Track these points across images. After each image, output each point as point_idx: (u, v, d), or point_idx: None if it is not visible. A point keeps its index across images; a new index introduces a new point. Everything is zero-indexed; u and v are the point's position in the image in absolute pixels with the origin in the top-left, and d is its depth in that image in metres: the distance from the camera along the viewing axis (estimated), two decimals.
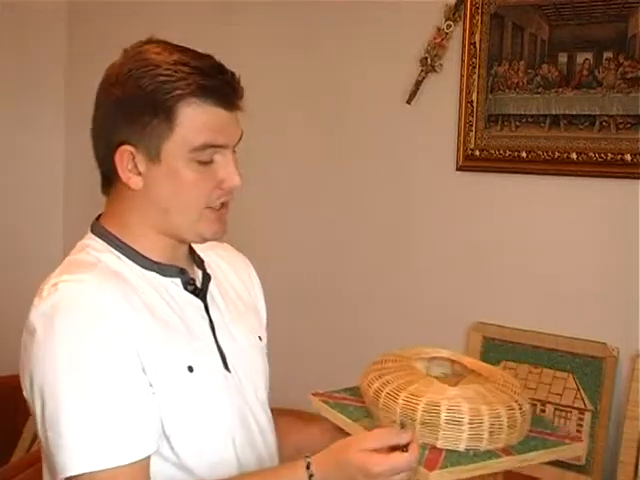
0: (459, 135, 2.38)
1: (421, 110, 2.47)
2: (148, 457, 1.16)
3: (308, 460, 1.16)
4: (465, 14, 2.35)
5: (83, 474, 1.11)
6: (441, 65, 2.42)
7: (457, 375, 1.35)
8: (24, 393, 1.23)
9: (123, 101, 1.20)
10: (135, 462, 1.14)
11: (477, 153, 2.37)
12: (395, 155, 2.55)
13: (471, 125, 2.37)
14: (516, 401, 1.21)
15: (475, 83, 2.35)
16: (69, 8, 3.32)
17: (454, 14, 2.37)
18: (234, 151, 1.24)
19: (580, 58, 2.20)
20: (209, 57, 1.22)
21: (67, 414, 1.13)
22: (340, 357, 2.57)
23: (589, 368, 2.16)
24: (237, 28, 2.80)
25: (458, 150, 2.39)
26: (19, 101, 3.24)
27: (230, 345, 1.30)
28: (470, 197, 2.41)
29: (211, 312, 1.30)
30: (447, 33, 2.39)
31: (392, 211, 2.56)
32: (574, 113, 2.21)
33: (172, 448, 1.20)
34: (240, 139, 1.24)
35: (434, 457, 1.14)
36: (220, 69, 1.20)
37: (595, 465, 2.11)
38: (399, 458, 1.11)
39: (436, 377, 1.30)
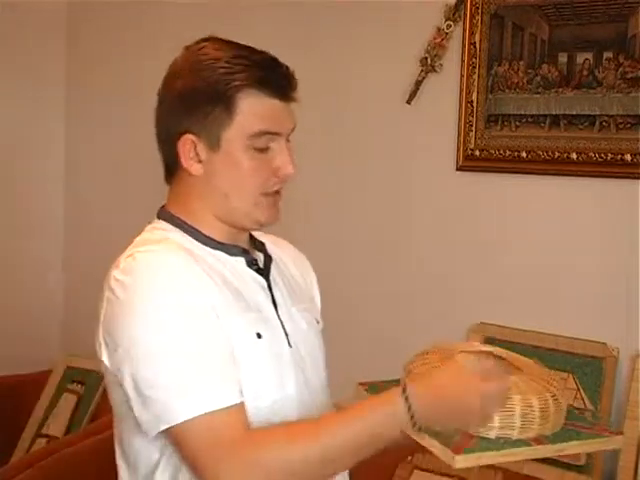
0: (459, 135, 2.39)
1: (421, 110, 2.47)
2: (243, 404, 1.17)
3: (407, 396, 1.13)
4: (465, 14, 2.35)
5: (189, 420, 1.13)
6: (441, 65, 2.42)
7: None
8: (106, 365, 1.25)
9: (185, 93, 1.26)
10: (236, 404, 1.15)
11: (477, 153, 2.37)
12: (395, 155, 2.55)
13: (471, 125, 2.37)
14: (550, 392, 1.21)
15: (475, 83, 2.35)
16: (69, 8, 3.32)
17: (454, 14, 2.37)
18: (288, 141, 1.30)
19: (580, 58, 2.20)
20: (265, 52, 1.29)
21: (162, 365, 1.15)
22: (339, 357, 2.57)
23: (589, 368, 2.16)
24: (237, 28, 2.78)
25: (458, 150, 2.39)
26: (19, 101, 3.24)
27: (291, 323, 1.34)
28: (470, 197, 2.41)
29: (273, 291, 1.34)
30: (447, 33, 2.39)
31: (392, 211, 2.56)
32: (574, 113, 2.21)
33: None
34: (293, 129, 1.30)
35: (464, 442, 1.14)
36: (276, 62, 1.27)
37: (595, 465, 2.11)
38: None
39: None
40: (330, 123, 2.67)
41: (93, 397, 2.94)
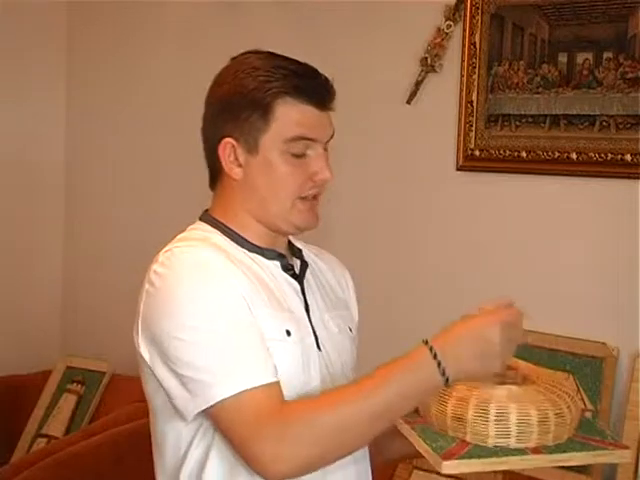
0: (459, 135, 2.38)
1: (421, 110, 2.47)
2: (279, 383, 1.22)
3: (430, 343, 1.17)
4: (465, 14, 2.35)
5: (229, 397, 1.17)
6: (441, 65, 2.42)
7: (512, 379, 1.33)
8: (142, 356, 1.28)
9: (227, 99, 1.32)
10: (273, 382, 1.20)
11: (477, 153, 2.37)
12: (395, 155, 2.55)
13: (471, 125, 2.37)
14: (554, 403, 1.19)
15: (475, 83, 2.35)
16: (69, 8, 3.31)
17: (454, 14, 2.37)
18: (326, 149, 1.35)
19: (580, 58, 2.20)
20: (306, 64, 1.34)
21: (201, 347, 1.21)
22: None
23: (589, 368, 2.16)
24: (236, 29, 2.80)
25: (458, 150, 2.39)
26: (19, 101, 3.24)
27: (322, 328, 1.38)
28: (470, 197, 2.41)
29: (307, 296, 1.38)
30: (447, 33, 2.39)
31: (392, 211, 2.56)
32: (574, 113, 2.21)
33: None
34: (332, 137, 1.36)
35: (458, 449, 1.15)
36: (314, 73, 1.33)
37: (595, 465, 2.10)
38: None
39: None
40: None
41: (93, 397, 2.94)
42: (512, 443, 1.16)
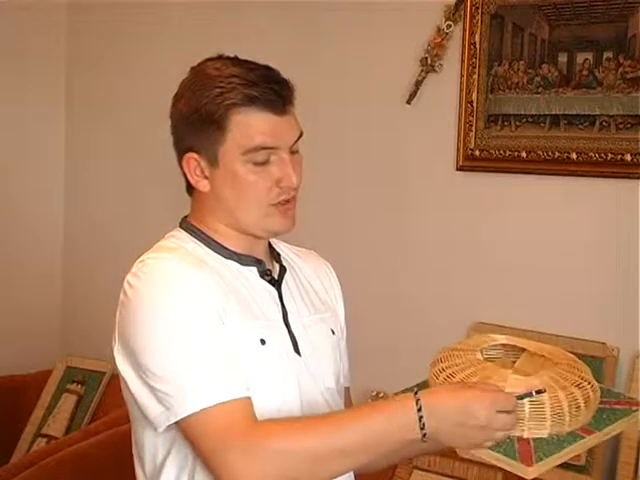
0: (459, 135, 2.39)
1: (421, 110, 2.47)
2: (250, 399, 1.21)
3: (418, 398, 1.15)
4: (465, 14, 2.35)
5: (200, 411, 1.17)
6: (441, 65, 2.42)
7: (513, 357, 1.37)
8: (117, 364, 1.29)
9: (185, 113, 1.33)
10: (243, 398, 1.20)
11: (477, 153, 2.37)
12: (395, 155, 2.55)
13: (471, 125, 2.37)
14: (585, 379, 1.23)
15: (475, 83, 2.35)
16: (69, 8, 3.32)
17: (454, 14, 2.37)
18: (294, 151, 1.33)
19: (580, 58, 2.20)
20: (263, 68, 1.32)
21: (171, 360, 1.20)
22: None
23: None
24: (237, 29, 2.80)
25: (458, 150, 2.39)
26: (19, 101, 3.24)
27: (302, 333, 1.37)
28: (470, 197, 2.41)
29: (285, 301, 1.38)
30: (447, 33, 2.39)
31: (392, 211, 2.56)
32: (574, 113, 2.21)
33: None
34: (299, 139, 1.34)
35: (525, 449, 1.16)
36: (268, 78, 1.30)
37: (595, 465, 2.11)
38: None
39: (492, 361, 1.33)
40: (330, 123, 2.66)
41: (93, 397, 2.94)
42: (565, 429, 1.18)
